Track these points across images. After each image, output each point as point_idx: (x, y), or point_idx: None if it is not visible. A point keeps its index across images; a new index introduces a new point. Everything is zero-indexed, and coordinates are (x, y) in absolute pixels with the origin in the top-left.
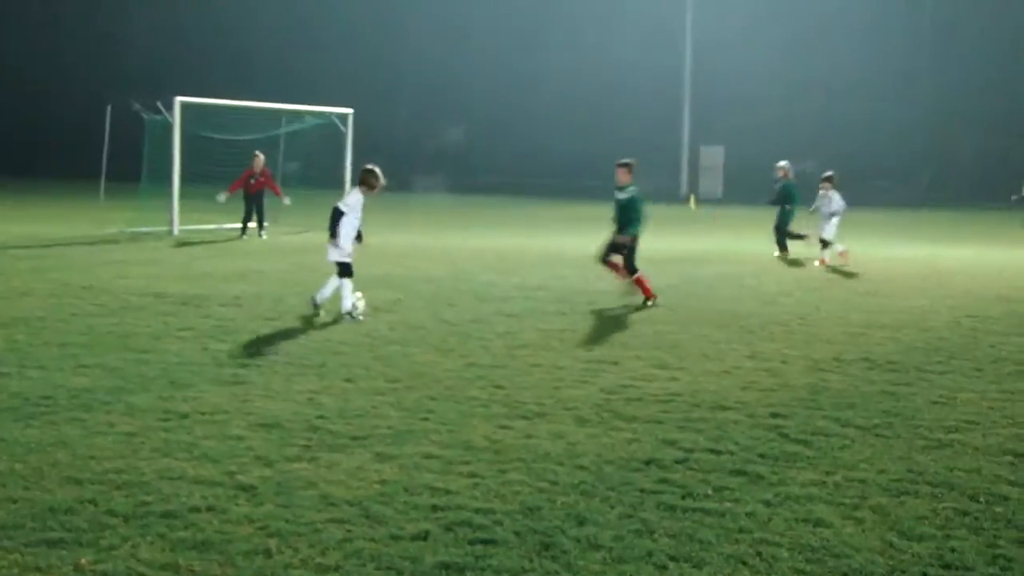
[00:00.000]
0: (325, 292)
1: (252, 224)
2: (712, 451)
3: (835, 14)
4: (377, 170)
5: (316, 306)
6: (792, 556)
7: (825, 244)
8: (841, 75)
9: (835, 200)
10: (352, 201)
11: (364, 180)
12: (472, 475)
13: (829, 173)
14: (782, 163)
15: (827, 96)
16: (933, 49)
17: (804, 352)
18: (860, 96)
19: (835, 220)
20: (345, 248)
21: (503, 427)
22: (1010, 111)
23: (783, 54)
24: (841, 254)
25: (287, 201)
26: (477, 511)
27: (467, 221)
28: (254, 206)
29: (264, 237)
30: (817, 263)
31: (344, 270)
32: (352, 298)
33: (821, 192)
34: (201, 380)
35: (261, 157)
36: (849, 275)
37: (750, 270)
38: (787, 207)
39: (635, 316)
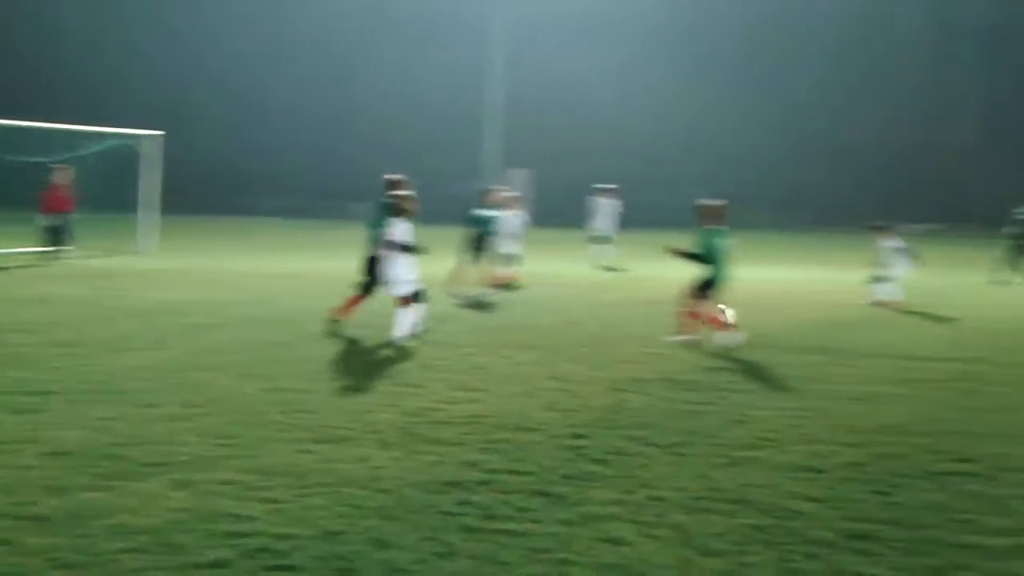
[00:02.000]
0: (404, 326)
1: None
2: (514, 472)
3: (657, 40)
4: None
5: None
6: (593, 575)
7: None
8: (659, 98)
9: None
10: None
11: (403, 209)
12: (272, 500)
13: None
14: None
15: (642, 119)
16: (741, 84)
17: (605, 372)
18: (677, 120)
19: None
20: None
21: (305, 451)
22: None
23: (594, 79)
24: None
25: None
26: (277, 537)
27: (280, 244)
28: (60, 226)
29: (65, 259)
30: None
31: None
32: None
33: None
34: None
35: (67, 171)
36: (654, 298)
37: (555, 292)
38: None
39: (440, 338)
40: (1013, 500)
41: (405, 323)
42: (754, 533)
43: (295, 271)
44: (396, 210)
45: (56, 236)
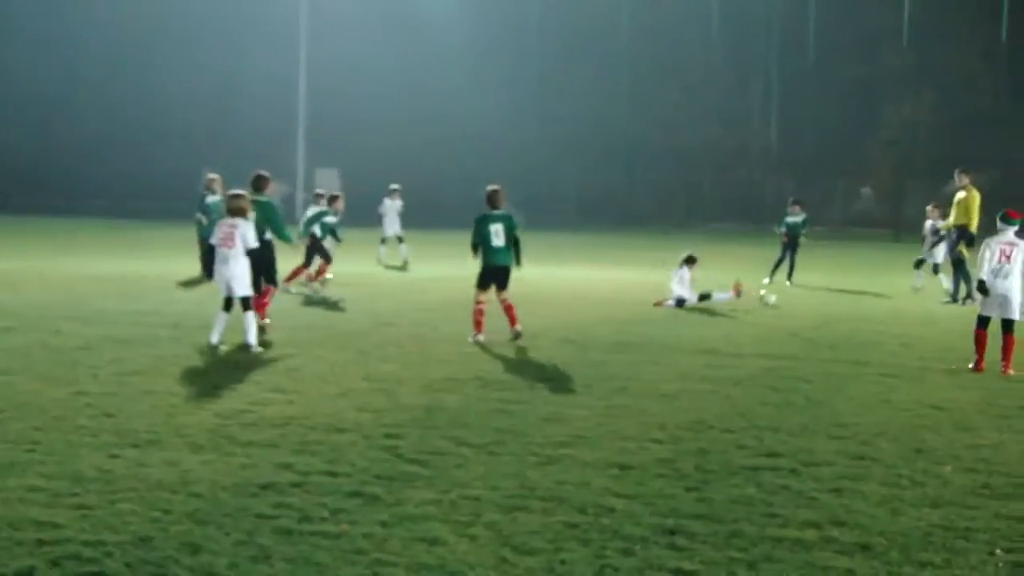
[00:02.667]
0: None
1: None
2: (329, 473)
3: (448, 47)
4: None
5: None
6: (409, 575)
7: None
8: (453, 103)
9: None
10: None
11: (241, 208)
12: (81, 507)
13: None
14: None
15: (440, 123)
16: (535, 83)
17: (419, 372)
18: (469, 122)
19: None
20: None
21: (113, 456)
22: (610, 146)
23: (397, 81)
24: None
25: None
26: (86, 544)
27: (84, 246)
28: None
29: None
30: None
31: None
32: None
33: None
34: None
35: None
36: (463, 297)
37: (368, 292)
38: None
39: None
40: (818, 493)
41: (254, 325)
42: (569, 531)
43: (105, 272)
44: (234, 211)
45: None
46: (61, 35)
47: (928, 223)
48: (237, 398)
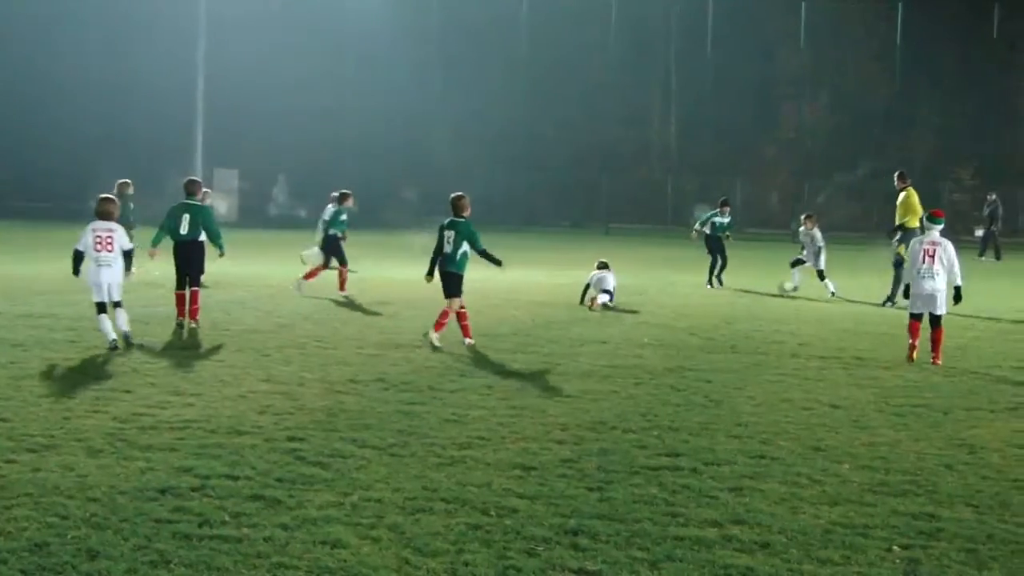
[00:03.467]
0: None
1: None
2: (229, 477)
3: (349, 45)
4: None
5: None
6: None
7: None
8: (354, 103)
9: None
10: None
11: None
12: None
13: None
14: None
15: (337, 123)
16: (439, 83)
17: (321, 374)
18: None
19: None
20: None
21: (8, 461)
22: (512, 146)
23: (296, 81)
24: None
25: None
26: None
27: None
28: None
29: None
30: None
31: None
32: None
33: None
34: None
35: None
36: (363, 299)
37: (265, 294)
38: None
39: (149, 343)
40: (719, 492)
41: (122, 321)
42: (472, 532)
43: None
44: (105, 215)
45: None
46: None
47: (802, 230)
48: (135, 401)
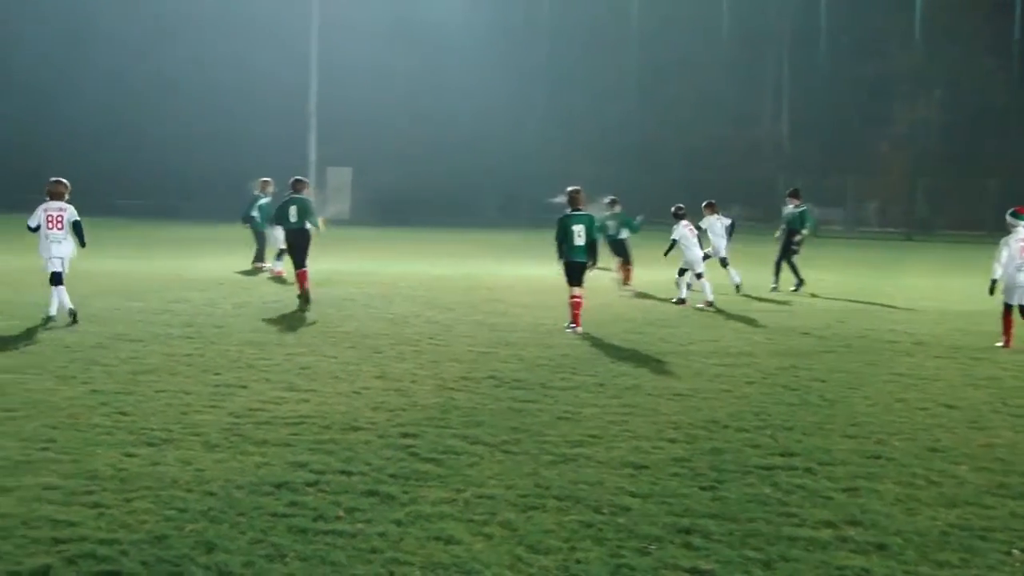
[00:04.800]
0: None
1: None
2: (343, 472)
3: (459, 45)
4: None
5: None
6: (424, 574)
7: None
8: (463, 101)
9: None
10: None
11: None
12: (96, 505)
13: None
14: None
15: (450, 121)
16: (547, 82)
17: (433, 371)
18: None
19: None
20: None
21: (128, 455)
22: (621, 144)
23: (406, 79)
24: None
25: None
26: (101, 542)
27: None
28: None
29: None
30: None
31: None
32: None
33: None
34: None
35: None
36: (475, 296)
37: (379, 291)
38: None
39: (264, 339)
40: (834, 492)
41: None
42: (584, 530)
43: (110, 271)
44: (56, 195)
45: None
46: (62, 34)
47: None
48: (251, 396)
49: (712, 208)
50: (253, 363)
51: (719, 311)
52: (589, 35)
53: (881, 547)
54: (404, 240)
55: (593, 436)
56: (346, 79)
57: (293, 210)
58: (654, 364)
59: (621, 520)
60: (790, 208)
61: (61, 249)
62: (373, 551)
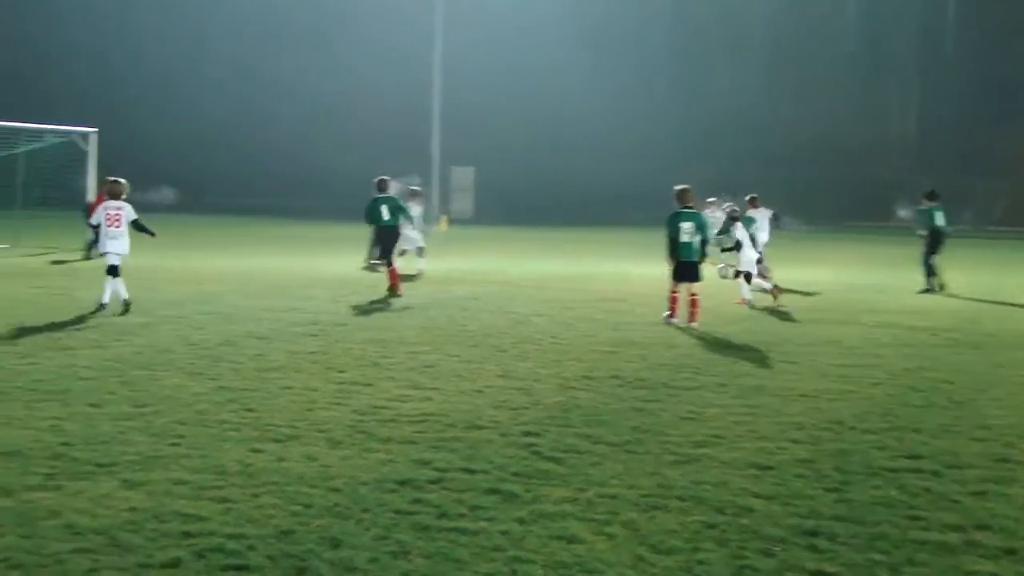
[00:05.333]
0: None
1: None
2: (466, 470)
3: (581, 43)
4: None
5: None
6: (546, 573)
7: None
8: (583, 98)
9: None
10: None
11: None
12: (224, 500)
13: None
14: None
15: (566, 121)
16: (668, 79)
17: (555, 371)
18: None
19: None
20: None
21: (255, 451)
22: (741, 142)
23: (528, 80)
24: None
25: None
26: (229, 536)
27: (209, 242)
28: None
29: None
30: None
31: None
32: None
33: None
34: None
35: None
36: (597, 295)
37: (502, 290)
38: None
39: (387, 337)
40: (961, 496)
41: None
42: (707, 530)
43: (238, 269)
44: (115, 194)
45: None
46: (188, 45)
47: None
48: (375, 394)
49: (754, 202)
50: (377, 361)
51: (843, 311)
52: (711, 32)
53: (1011, 552)
54: (527, 239)
55: (716, 436)
56: (469, 78)
57: (384, 209)
58: (778, 364)
59: (744, 521)
60: (925, 208)
61: (117, 245)
62: (496, 549)
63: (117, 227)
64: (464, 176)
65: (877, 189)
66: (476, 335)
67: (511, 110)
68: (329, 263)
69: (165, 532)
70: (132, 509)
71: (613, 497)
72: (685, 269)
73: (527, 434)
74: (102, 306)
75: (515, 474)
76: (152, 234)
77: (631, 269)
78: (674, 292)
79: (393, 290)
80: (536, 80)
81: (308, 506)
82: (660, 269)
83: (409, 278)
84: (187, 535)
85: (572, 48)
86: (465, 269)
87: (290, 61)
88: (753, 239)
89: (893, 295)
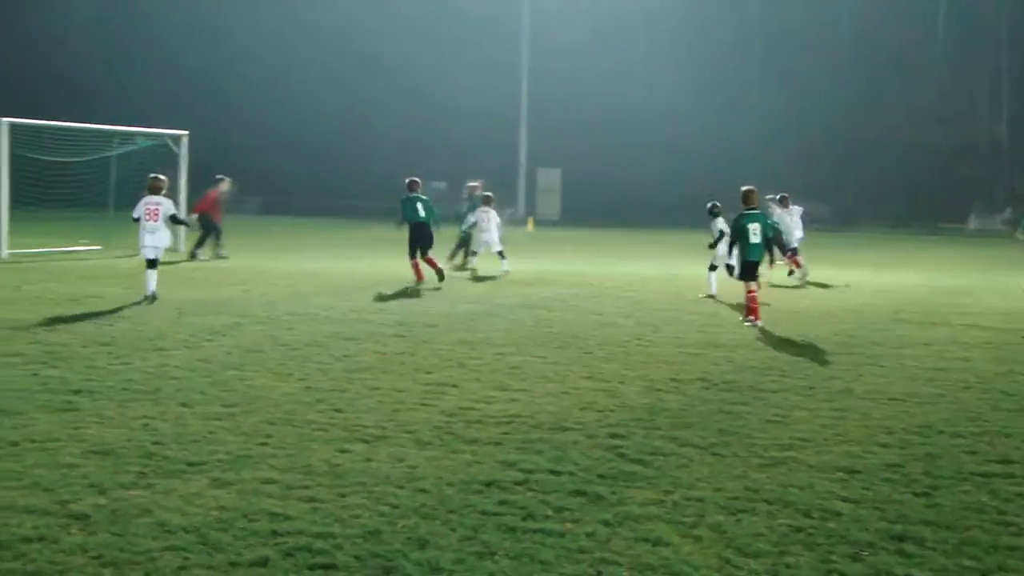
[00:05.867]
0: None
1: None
2: (552, 472)
3: (668, 45)
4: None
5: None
6: (632, 575)
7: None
8: (667, 98)
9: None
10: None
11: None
12: (312, 499)
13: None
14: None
15: (657, 122)
16: (756, 81)
17: (642, 372)
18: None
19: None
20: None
21: (343, 451)
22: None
23: (615, 80)
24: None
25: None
26: (317, 536)
27: (298, 243)
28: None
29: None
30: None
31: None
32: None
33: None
34: (31, 407)
35: (227, 180)
36: (687, 297)
37: (587, 292)
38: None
39: (474, 338)
40: None
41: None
42: (794, 534)
43: (326, 270)
44: (154, 189)
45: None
46: (273, 37)
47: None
48: (461, 395)
49: (785, 202)
50: (464, 362)
51: (932, 312)
52: (800, 33)
53: None
54: (613, 240)
55: (803, 440)
56: (556, 80)
57: (420, 206)
58: (865, 367)
59: (832, 525)
60: None
61: (154, 239)
62: (581, 551)
63: (155, 221)
64: (550, 178)
65: (966, 191)
66: (562, 337)
67: (599, 111)
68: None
69: (254, 531)
70: (221, 508)
71: (699, 500)
72: (752, 268)
73: (613, 436)
74: (151, 297)
75: (601, 476)
76: (187, 225)
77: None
78: (752, 292)
79: (418, 280)
80: (624, 81)
81: (395, 506)
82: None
83: (490, 279)
84: (275, 534)
85: (661, 46)
86: (552, 271)
87: (384, 59)
88: (769, 240)
89: (981, 297)
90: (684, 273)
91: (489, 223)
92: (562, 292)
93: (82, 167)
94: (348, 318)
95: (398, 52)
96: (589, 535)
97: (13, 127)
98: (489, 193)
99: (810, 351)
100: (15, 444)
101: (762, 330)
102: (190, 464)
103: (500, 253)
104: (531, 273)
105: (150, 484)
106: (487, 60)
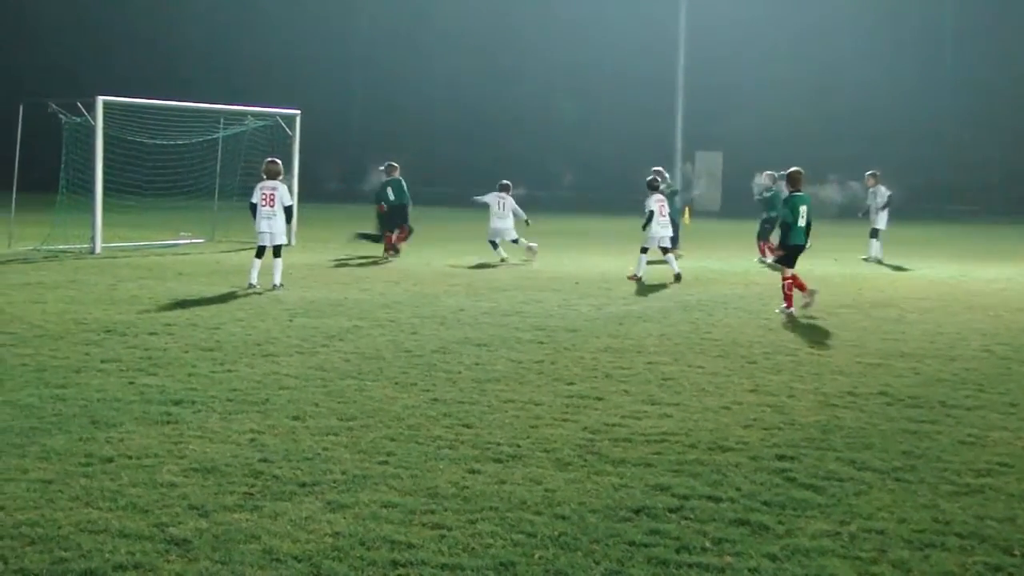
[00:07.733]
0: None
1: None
2: (710, 498)
3: (838, 14)
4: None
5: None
6: None
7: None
8: (841, 75)
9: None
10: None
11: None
12: (437, 526)
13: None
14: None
15: (832, 97)
16: (953, 47)
17: (814, 385)
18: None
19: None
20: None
21: (472, 471)
22: None
23: (781, 54)
24: None
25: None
26: (443, 567)
27: (426, 237)
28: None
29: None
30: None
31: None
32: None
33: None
34: (127, 419)
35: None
36: (866, 298)
37: (753, 292)
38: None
39: (622, 345)
40: None
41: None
42: (991, 573)
43: (463, 268)
44: (271, 174)
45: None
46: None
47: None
48: (607, 410)
49: (875, 179)
50: (610, 372)
51: None
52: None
53: None
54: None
55: (1003, 464)
56: (716, 56)
57: (389, 190)
58: None
59: None
60: None
61: (271, 225)
62: None
63: (271, 206)
64: (711, 162)
65: None
66: (723, 344)
67: (761, 87)
68: (563, 262)
69: (372, 560)
70: (336, 534)
71: (880, 532)
72: (796, 253)
73: (781, 458)
74: (278, 286)
75: (766, 503)
76: (288, 221)
77: (901, 270)
78: (789, 279)
79: (387, 250)
80: (793, 57)
81: (531, 535)
82: (944, 269)
83: (657, 281)
84: (396, 564)
85: (841, 21)
86: (714, 269)
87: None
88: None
89: None
90: (864, 272)
91: (504, 209)
92: (725, 293)
93: (184, 151)
94: (480, 321)
95: (539, 34)
96: (752, 571)
97: (107, 106)
98: (507, 181)
99: (1012, 363)
100: (109, 460)
101: (957, 337)
102: (301, 485)
103: (515, 241)
104: (689, 271)
105: (257, 506)
106: (641, 38)
